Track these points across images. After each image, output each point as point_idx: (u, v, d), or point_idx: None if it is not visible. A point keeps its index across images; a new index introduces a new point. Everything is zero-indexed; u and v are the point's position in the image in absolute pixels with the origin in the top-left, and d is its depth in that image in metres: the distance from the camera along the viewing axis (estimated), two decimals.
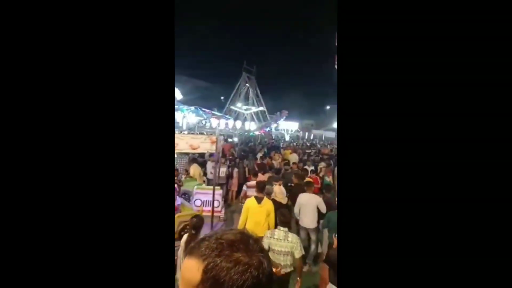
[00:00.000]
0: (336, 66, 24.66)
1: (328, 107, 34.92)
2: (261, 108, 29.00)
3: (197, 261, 0.49)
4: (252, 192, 3.85)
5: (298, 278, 2.50)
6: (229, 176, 6.81)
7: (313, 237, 3.98)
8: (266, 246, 2.52)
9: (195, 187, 4.83)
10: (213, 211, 4.38)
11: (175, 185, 4.75)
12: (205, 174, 6.58)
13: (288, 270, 2.53)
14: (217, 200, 4.57)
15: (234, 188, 6.65)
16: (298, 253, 2.51)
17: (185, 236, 2.57)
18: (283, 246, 2.52)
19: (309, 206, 3.92)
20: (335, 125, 26.23)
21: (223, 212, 5.07)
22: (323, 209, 3.90)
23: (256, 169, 6.55)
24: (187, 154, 6.65)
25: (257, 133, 20.97)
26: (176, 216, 3.57)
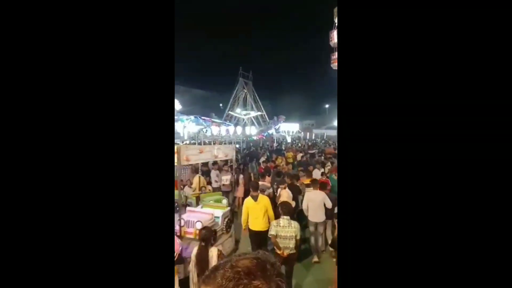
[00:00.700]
0: (332, 65, 24.86)
1: (327, 106, 34.95)
2: (259, 112, 29.08)
3: None
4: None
5: (295, 255, 3.26)
6: (234, 183, 6.75)
7: (320, 230, 4.41)
8: (273, 233, 3.16)
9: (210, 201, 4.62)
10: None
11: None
12: (209, 183, 6.52)
13: (292, 252, 3.16)
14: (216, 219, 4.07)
15: (240, 195, 6.58)
16: (298, 236, 3.23)
17: (195, 250, 2.52)
18: (288, 231, 3.17)
19: (316, 202, 4.31)
20: (335, 123, 26.19)
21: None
22: (329, 204, 4.31)
23: (262, 172, 6.51)
24: (188, 165, 6.60)
25: (255, 138, 21.00)
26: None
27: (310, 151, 12.35)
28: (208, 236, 2.50)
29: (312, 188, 4.53)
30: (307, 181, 5.16)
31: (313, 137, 26.29)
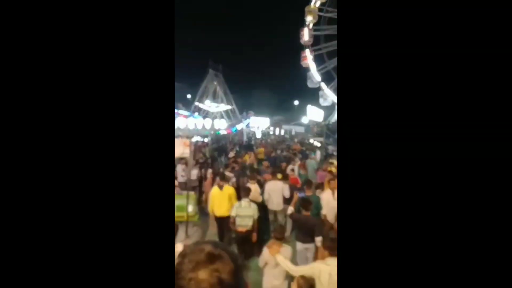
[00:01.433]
0: (302, 63, 25.40)
1: (296, 103, 35.84)
2: (230, 106, 28.75)
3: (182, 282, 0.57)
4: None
5: (254, 233, 3.86)
6: (201, 178, 6.58)
7: (280, 218, 4.86)
8: (234, 214, 3.78)
9: None
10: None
11: None
12: (175, 178, 6.27)
13: (249, 229, 3.82)
14: None
15: (208, 190, 6.43)
16: (256, 216, 3.79)
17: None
18: (246, 212, 3.81)
19: (276, 191, 4.80)
20: (303, 119, 27.00)
21: None
22: (287, 194, 4.72)
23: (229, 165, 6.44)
24: None
25: (223, 132, 20.78)
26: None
27: (278, 148, 12.56)
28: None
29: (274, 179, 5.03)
30: (279, 176, 5.30)
31: (283, 133, 26.82)
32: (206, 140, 15.61)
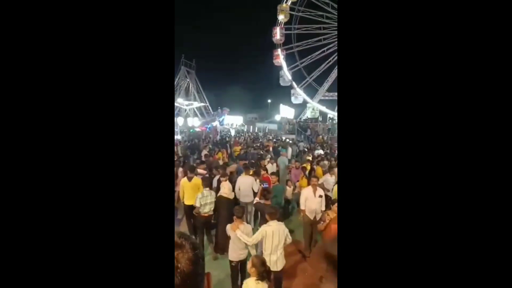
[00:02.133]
0: (274, 61, 25.62)
1: (269, 101, 36.29)
2: (203, 104, 28.25)
3: None
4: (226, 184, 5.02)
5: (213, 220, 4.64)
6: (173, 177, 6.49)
7: (249, 209, 5.44)
8: (198, 204, 4.45)
9: None
10: None
11: None
12: None
13: (210, 213, 4.55)
14: None
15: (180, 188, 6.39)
16: (213, 202, 4.56)
17: None
18: (207, 199, 4.52)
19: (246, 184, 5.32)
20: (276, 117, 27.45)
21: None
22: (256, 188, 5.24)
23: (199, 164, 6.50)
24: None
25: (197, 129, 20.45)
26: None
27: (251, 146, 12.74)
28: None
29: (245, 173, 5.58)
30: (251, 172, 5.69)
31: (256, 130, 27.04)
32: (178, 137, 15.30)
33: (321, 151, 11.66)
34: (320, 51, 25.97)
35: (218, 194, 4.70)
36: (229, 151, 11.55)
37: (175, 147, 10.25)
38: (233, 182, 5.40)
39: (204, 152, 9.81)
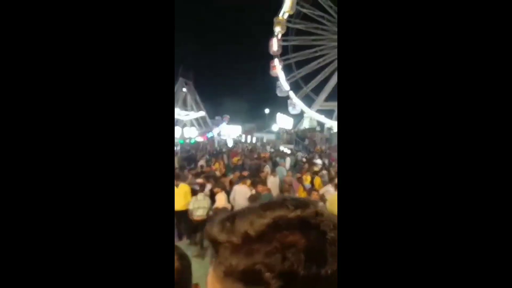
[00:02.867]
0: (271, 72, 26.06)
1: (267, 111, 36.54)
2: (201, 114, 28.33)
3: None
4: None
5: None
6: None
7: None
8: (191, 207, 4.71)
9: None
10: None
11: None
12: None
13: (203, 218, 4.73)
14: None
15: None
16: (207, 206, 4.80)
17: None
18: (201, 204, 4.78)
19: (242, 194, 5.37)
20: (274, 127, 27.53)
21: None
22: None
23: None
24: None
25: (199, 139, 20.36)
26: None
27: (249, 156, 12.65)
28: None
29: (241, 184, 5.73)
30: (248, 183, 5.74)
31: (254, 141, 27.04)
32: (176, 148, 15.16)
33: (319, 161, 11.56)
34: (317, 62, 26.40)
35: (214, 207, 4.64)
36: (226, 161, 11.41)
37: None
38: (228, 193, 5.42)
39: (201, 163, 9.68)
